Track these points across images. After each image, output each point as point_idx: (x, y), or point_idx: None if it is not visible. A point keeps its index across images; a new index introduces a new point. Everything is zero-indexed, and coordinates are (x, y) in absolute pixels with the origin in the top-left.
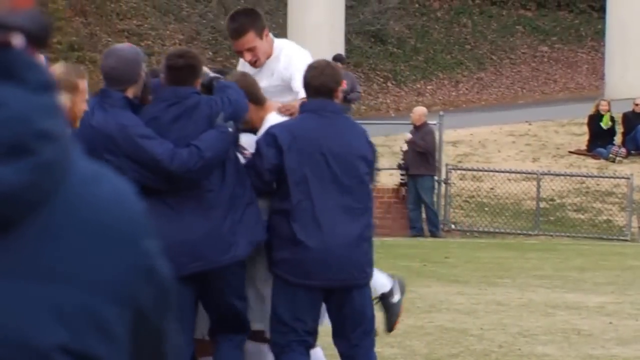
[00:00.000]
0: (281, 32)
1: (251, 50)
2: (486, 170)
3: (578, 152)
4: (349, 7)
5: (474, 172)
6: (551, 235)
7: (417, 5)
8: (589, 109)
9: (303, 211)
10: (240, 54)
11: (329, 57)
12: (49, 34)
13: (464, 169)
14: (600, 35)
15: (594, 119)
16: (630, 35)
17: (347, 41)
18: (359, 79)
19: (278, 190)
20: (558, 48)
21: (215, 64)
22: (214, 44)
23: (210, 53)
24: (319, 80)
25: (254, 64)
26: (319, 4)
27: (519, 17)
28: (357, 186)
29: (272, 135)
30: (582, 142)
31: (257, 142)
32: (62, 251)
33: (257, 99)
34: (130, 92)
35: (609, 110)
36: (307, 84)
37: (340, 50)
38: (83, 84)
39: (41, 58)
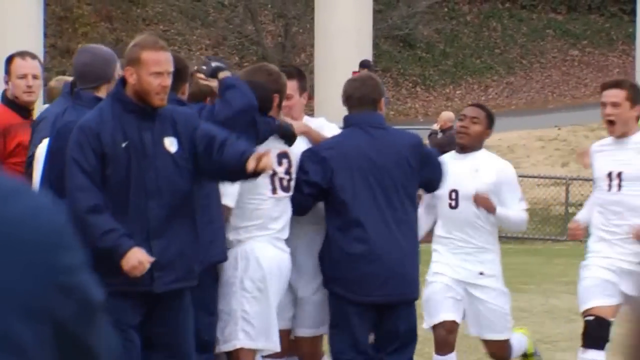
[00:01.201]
0: (308, 37)
1: (288, 97)
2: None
3: None
4: (376, 12)
5: None
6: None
7: (446, 10)
8: None
9: (354, 228)
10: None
11: (356, 61)
12: None
13: None
14: (631, 38)
15: None
16: None
17: (375, 46)
18: (388, 84)
19: (329, 209)
20: (589, 52)
21: (242, 69)
22: (241, 49)
23: (237, 58)
24: (361, 92)
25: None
26: (347, 8)
27: (549, 21)
28: (406, 200)
29: (316, 152)
30: None
31: (301, 157)
32: None
33: (281, 102)
34: (103, 91)
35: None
36: (350, 96)
37: (368, 54)
38: (148, 54)
39: None
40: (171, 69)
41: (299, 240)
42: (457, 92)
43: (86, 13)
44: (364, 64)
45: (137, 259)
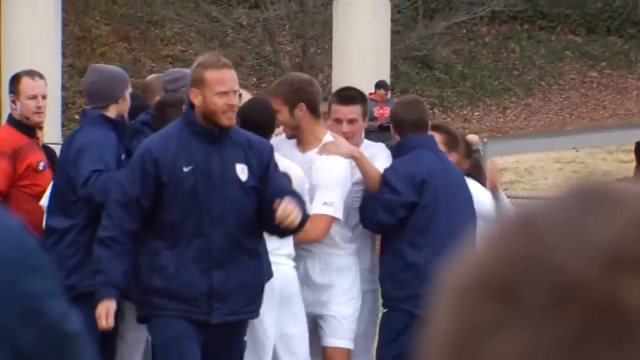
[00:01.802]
0: (326, 58)
1: (352, 122)
2: (532, 198)
3: (625, 180)
4: (395, 33)
5: (520, 200)
6: None
7: (464, 31)
8: (637, 135)
9: (437, 244)
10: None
11: (373, 82)
12: None
13: (509, 197)
14: None
15: None
16: None
17: (393, 67)
18: None
19: (404, 226)
20: (607, 74)
21: (259, 89)
22: (259, 69)
23: (255, 79)
24: (415, 116)
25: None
26: (365, 29)
27: (568, 43)
28: (472, 217)
29: (406, 172)
30: (630, 169)
31: (388, 177)
32: None
33: (314, 109)
34: (112, 111)
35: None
36: (404, 120)
37: (386, 76)
38: (212, 74)
39: None
40: (237, 87)
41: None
42: (475, 113)
43: (104, 33)
44: (379, 85)
45: (105, 308)
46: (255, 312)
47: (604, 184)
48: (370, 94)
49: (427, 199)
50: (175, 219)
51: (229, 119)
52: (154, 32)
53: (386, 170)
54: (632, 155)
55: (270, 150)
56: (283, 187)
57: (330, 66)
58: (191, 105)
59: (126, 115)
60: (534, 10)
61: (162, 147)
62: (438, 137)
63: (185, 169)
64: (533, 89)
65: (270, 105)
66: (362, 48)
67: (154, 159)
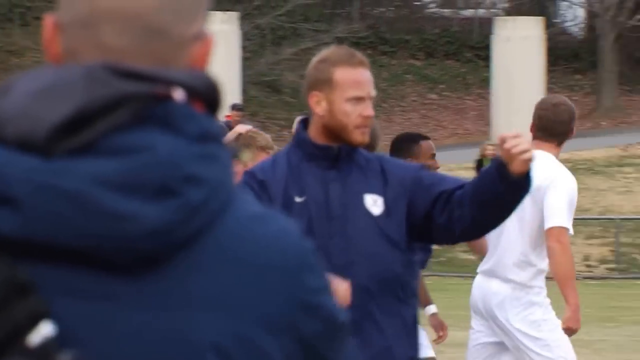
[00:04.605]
0: None
1: None
2: None
3: None
4: (245, 59)
5: None
6: (442, 276)
7: (310, 56)
8: (476, 153)
9: None
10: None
11: (226, 106)
12: (216, 93)
13: None
14: (485, 82)
15: (481, 163)
16: (514, 81)
17: (244, 91)
18: (257, 127)
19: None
20: (446, 95)
21: None
22: None
23: None
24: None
25: None
26: (216, 55)
27: (409, 67)
28: None
29: None
30: None
31: None
32: (214, 284)
33: None
34: None
35: (495, 154)
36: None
37: (237, 100)
38: (344, 73)
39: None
40: (374, 92)
41: None
42: None
43: None
44: (234, 107)
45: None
46: None
47: None
48: (227, 116)
49: None
50: None
51: (362, 134)
52: (14, 61)
53: None
54: (473, 173)
55: (416, 167)
56: (455, 180)
57: None
58: (303, 122)
59: None
60: (375, 36)
61: (267, 171)
62: None
63: (297, 200)
64: (376, 111)
65: None
66: (213, 73)
67: (259, 181)
